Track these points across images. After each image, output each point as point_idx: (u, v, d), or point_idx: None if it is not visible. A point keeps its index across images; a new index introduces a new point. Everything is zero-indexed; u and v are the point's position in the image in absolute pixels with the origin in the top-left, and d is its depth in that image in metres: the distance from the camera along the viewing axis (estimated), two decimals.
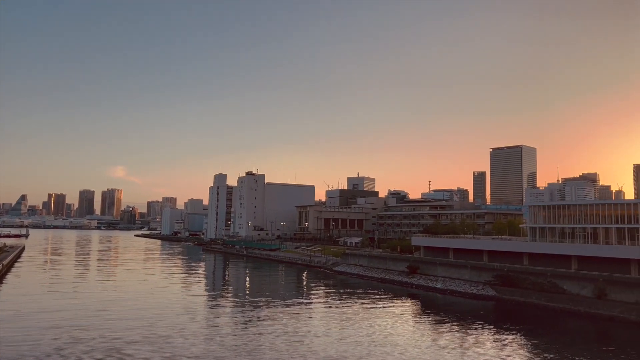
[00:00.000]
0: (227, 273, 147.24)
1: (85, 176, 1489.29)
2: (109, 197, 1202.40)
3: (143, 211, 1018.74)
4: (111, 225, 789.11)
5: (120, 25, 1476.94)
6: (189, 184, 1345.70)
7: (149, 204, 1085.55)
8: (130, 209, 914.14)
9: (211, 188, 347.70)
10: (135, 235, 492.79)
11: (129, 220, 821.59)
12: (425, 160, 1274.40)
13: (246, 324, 63.29)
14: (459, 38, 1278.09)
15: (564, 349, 52.21)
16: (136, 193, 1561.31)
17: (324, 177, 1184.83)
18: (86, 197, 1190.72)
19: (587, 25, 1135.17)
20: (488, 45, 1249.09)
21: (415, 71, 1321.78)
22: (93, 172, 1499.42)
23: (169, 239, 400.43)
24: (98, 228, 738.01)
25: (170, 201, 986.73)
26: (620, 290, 75.63)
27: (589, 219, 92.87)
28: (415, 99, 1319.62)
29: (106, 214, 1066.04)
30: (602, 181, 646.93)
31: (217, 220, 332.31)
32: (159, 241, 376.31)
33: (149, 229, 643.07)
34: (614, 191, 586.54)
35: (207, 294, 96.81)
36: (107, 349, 47.67)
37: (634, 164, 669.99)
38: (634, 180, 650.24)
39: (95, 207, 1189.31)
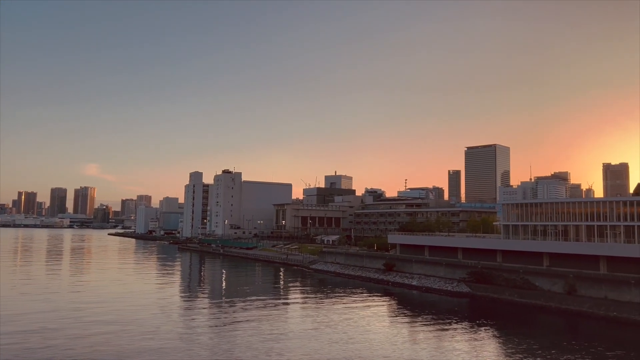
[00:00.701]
0: (203, 272, 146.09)
1: (57, 174, 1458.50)
2: (82, 195, 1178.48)
3: (117, 209, 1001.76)
4: (84, 224, 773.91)
5: (97, 23, 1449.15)
6: (164, 182, 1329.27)
7: (123, 202, 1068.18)
8: (104, 207, 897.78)
9: (187, 186, 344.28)
10: (109, 234, 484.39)
11: (103, 219, 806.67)
12: (402, 159, 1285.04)
13: (222, 322, 63.03)
14: (437, 42, 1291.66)
15: (535, 344, 53.46)
16: (110, 191, 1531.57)
17: (302, 176, 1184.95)
18: (58, 195, 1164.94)
19: (560, 29, 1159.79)
20: (464, 49, 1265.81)
21: (393, 74, 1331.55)
22: (65, 169, 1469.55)
23: (143, 237, 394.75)
24: (70, 227, 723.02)
25: (145, 199, 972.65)
26: (589, 286, 77.76)
27: (560, 216, 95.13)
28: (393, 101, 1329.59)
29: (79, 213, 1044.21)
30: (573, 180, 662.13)
31: (193, 218, 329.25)
32: (133, 240, 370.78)
33: (123, 228, 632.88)
34: (584, 189, 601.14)
35: (182, 293, 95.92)
36: (80, 351, 46.90)
37: (603, 163, 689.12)
38: (603, 179, 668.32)
39: (67, 205, 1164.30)
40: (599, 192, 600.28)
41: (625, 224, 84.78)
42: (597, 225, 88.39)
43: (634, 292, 71.80)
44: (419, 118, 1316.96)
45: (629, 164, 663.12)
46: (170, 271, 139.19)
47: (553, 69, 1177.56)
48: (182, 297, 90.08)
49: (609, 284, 75.95)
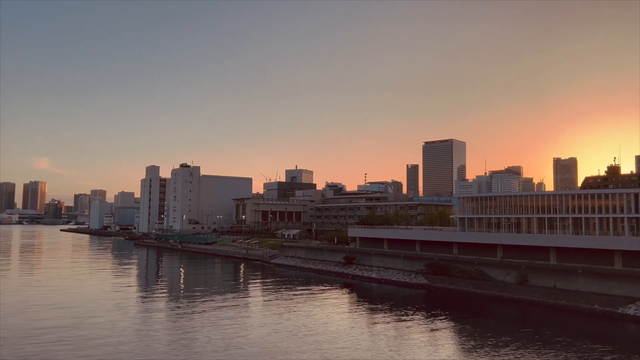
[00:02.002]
0: (160, 268, 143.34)
1: (4, 167, 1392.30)
2: (32, 189, 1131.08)
3: (70, 205, 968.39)
4: (34, 220, 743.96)
5: (48, 17, 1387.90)
6: (119, 176, 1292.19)
7: (77, 197, 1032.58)
8: (56, 202, 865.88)
9: (143, 180, 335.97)
10: (61, 230, 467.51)
11: (54, 215, 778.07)
12: (362, 154, 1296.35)
13: (181, 318, 62.13)
14: (396, 42, 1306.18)
15: (488, 332, 55.37)
16: (62, 186, 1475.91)
17: (262, 170, 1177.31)
18: (6, 190, 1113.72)
19: (517, 31, 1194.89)
20: (423, 49, 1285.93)
21: (354, 74, 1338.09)
22: (13, 163, 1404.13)
23: (98, 233, 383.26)
24: (20, 223, 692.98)
25: (100, 194, 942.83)
26: (540, 277, 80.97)
27: (513, 209, 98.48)
28: (353, 99, 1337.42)
29: (28, 208, 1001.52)
30: (526, 174, 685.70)
31: (149, 213, 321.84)
32: (87, 236, 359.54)
33: (77, 224, 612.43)
34: (535, 183, 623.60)
35: (139, 289, 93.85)
36: (32, 351, 45.19)
37: (553, 158, 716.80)
38: (554, 173, 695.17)
39: (16, 200, 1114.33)
40: (549, 186, 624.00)
41: (574, 216, 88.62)
42: (548, 218, 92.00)
43: (581, 282, 75.27)
44: (379, 115, 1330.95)
45: (577, 159, 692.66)
46: (126, 268, 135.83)
47: (507, 69, 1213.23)
48: (138, 293, 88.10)
49: (558, 274, 79.33)
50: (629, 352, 47.14)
